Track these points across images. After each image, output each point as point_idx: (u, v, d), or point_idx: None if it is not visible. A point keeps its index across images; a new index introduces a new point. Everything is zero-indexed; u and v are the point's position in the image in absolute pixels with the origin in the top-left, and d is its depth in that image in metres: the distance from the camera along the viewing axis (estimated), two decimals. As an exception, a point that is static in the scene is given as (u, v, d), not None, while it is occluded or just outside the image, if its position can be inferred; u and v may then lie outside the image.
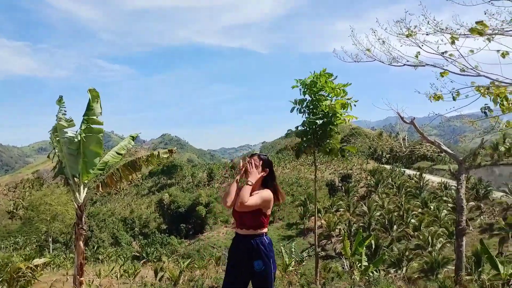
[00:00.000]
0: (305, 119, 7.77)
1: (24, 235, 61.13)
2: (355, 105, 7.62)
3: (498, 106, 5.07)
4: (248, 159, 3.45)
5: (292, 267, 10.03)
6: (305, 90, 7.59)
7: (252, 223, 3.35)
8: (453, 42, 5.19)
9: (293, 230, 51.50)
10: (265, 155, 3.54)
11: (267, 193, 3.37)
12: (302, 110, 7.76)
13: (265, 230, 3.43)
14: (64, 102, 8.05)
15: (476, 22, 4.49)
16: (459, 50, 5.38)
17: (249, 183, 3.26)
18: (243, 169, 3.40)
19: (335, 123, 7.55)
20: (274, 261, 3.45)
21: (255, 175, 3.34)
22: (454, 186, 46.83)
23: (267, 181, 3.46)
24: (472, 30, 4.53)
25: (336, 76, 7.48)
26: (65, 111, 8.02)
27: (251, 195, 3.28)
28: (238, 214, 3.38)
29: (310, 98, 7.65)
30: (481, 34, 4.35)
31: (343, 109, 7.62)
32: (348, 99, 7.55)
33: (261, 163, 3.43)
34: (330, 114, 7.51)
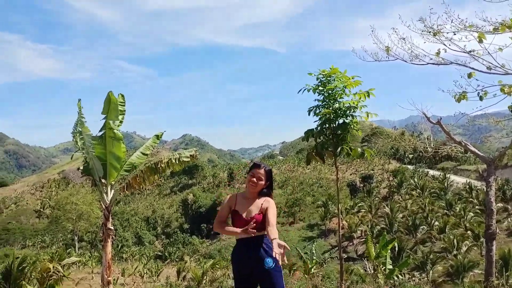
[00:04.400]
0: (321, 119, 7.30)
1: (51, 233, 62.80)
2: (373, 95, 7.15)
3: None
4: (252, 174, 3.56)
5: (314, 270, 10.00)
6: (319, 88, 7.19)
7: (260, 227, 3.41)
8: (480, 41, 5.06)
9: (314, 231, 51.13)
10: (268, 167, 3.67)
11: (274, 207, 3.52)
12: (317, 111, 7.40)
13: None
14: (82, 107, 8.19)
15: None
16: (487, 49, 5.24)
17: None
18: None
19: (353, 120, 7.13)
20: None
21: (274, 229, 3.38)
22: (481, 187, 45.55)
23: (264, 190, 3.63)
24: (502, 27, 4.41)
25: (345, 71, 7.13)
26: (83, 116, 8.17)
27: (262, 212, 3.46)
28: (244, 222, 3.43)
29: (323, 97, 7.28)
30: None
31: (361, 100, 7.09)
32: (366, 92, 7.08)
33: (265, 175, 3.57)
34: (346, 110, 7.08)
